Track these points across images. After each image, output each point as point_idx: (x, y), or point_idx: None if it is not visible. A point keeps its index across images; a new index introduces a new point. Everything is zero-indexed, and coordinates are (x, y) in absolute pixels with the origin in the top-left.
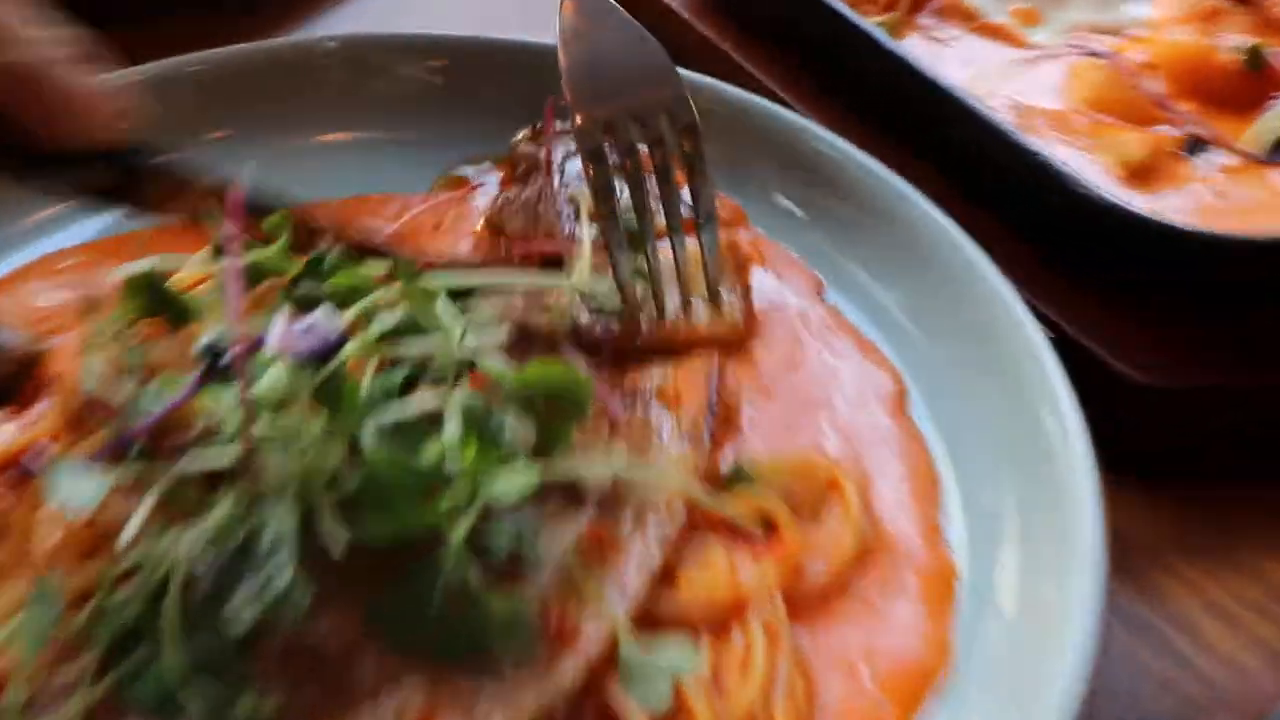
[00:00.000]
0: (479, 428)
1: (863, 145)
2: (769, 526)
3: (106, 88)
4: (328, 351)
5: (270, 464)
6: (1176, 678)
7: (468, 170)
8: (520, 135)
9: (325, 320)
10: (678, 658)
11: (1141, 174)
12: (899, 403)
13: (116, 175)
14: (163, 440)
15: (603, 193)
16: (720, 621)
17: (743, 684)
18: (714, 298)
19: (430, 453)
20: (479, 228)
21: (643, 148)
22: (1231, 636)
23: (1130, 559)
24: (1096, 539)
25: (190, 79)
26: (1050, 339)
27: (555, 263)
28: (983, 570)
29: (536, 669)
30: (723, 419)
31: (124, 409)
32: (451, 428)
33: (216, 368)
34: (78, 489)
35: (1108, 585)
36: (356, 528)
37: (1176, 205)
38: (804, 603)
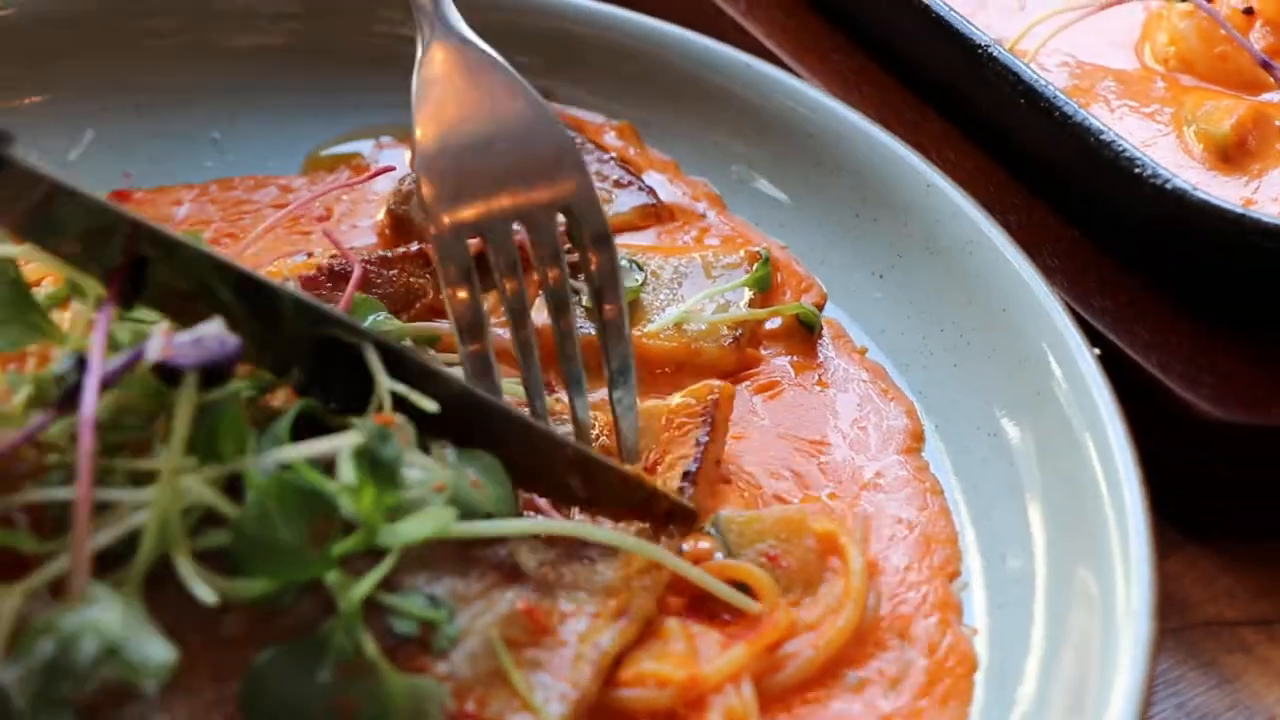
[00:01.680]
0: (379, 467)
1: (883, 115)
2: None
3: None
4: (221, 365)
5: (121, 503)
6: None
7: (347, 148)
8: None
9: (217, 332)
10: None
11: (1234, 154)
12: (914, 444)
13: None
14: None
15: (472, 332)
16: (677, 714)
17: None
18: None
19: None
20: (380, 218)
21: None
22: None
23: (1194, 629)
24: (1146, 615)
25: None
26: (1101, 359)
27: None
28: (1007, 656)
29: None
30: (709, 474)
31: None
32: (346, 468)
33: (75, 394)
34: None
35: (1160, 663)
36: (229, 579)
37: (1271, 191)
38: (784, 694)
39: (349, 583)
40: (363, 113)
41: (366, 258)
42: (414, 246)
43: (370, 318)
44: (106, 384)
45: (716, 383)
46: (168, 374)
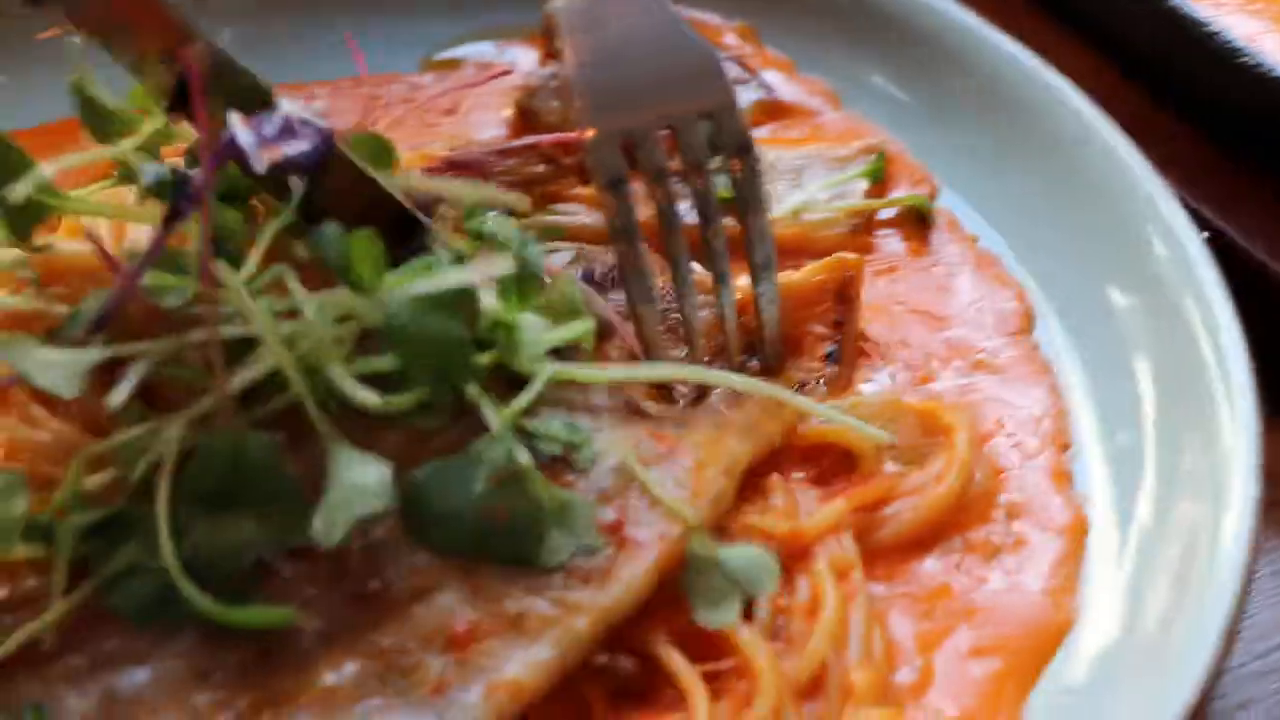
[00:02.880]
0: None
1: (991, 15)
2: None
3: None
4: (319, 154)
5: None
6: None
7: (462, 51)
8: (558, 2)
9: (297, 112)
10: (753, 568)
11: None
12: (1024, 326)
13: None
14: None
15: (625, 231)
16: (782, 564)
17: (810, 634)
18: (771, 364)
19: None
20: (508, 112)
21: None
22: None
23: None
24: (1250, 485)
25: None
26: (1207, 242)
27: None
28: (1117, 521)
29: (592, 576)
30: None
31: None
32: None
33: (183, 202)
34: (51, 373)
35: (1260, 535)
36: (385, 389)
37: None
38: (886, 553)
39: (497, 401)
40: (487, 13)
41: (487, 149)
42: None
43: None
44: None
45: (849, 255)
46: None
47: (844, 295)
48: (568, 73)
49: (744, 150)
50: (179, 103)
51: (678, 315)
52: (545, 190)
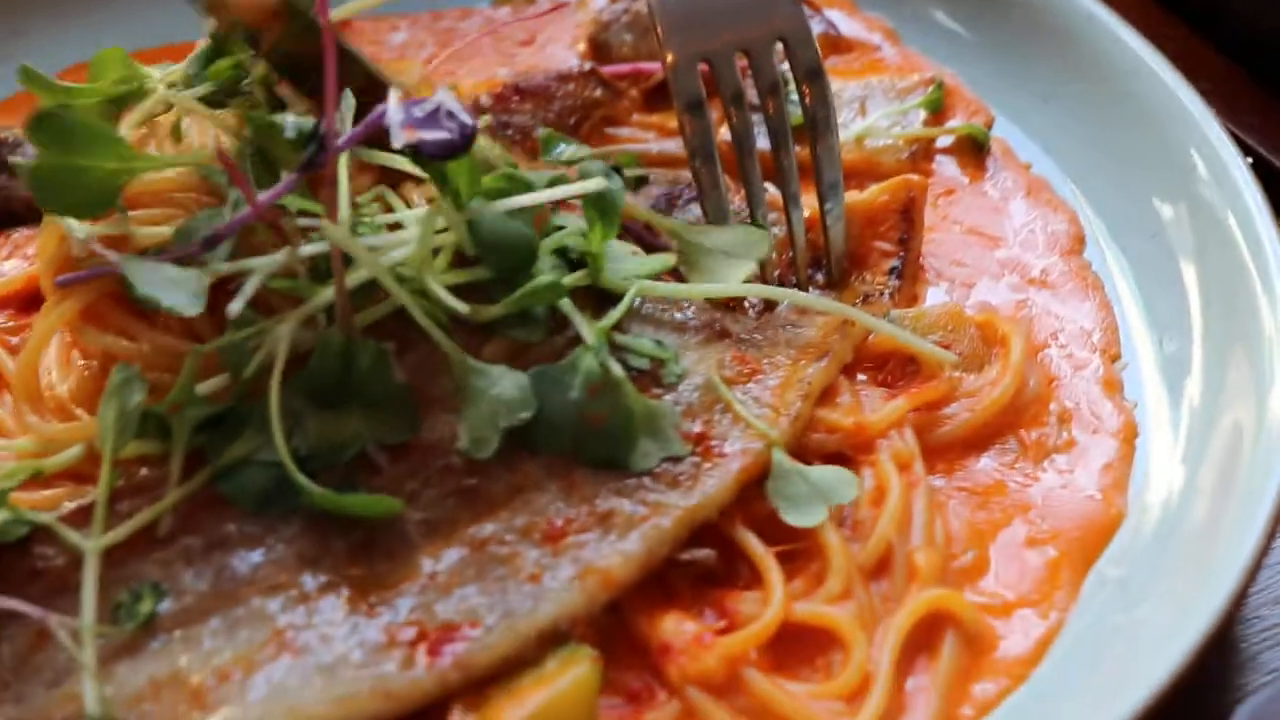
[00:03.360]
0: (605, 210)
1: None
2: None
3: None
4: (457, 147)
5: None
6: None
7: None
8: None
9: (451, 104)
10: (835, 479)
11: None
12: (1075, 246)
13: None
14: (250, 238)
15: (703, 152)
16: (846, 455)
17: (876, 520)
18: (836, 278)
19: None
20: (580, 47)
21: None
22: None
23: None
24: None
25: None
26: (1253, 169)
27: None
28: (1166, 423)
29: (679, 481)
30: (912, 267)
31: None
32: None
33: (316, 160)
34: (175, 292)
35: None
36: (476, 298)
37: None
38: (945, 449)
39: (591, 318)
40: None
41: (549, 74)
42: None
43: (558, 148)
44: (352, 141)
45: (913, 177)
46: (414, 153)
47: (907, 214)
48: (644, 2)
49: (814, 75)
50: None
51: None
52: (605, 115)
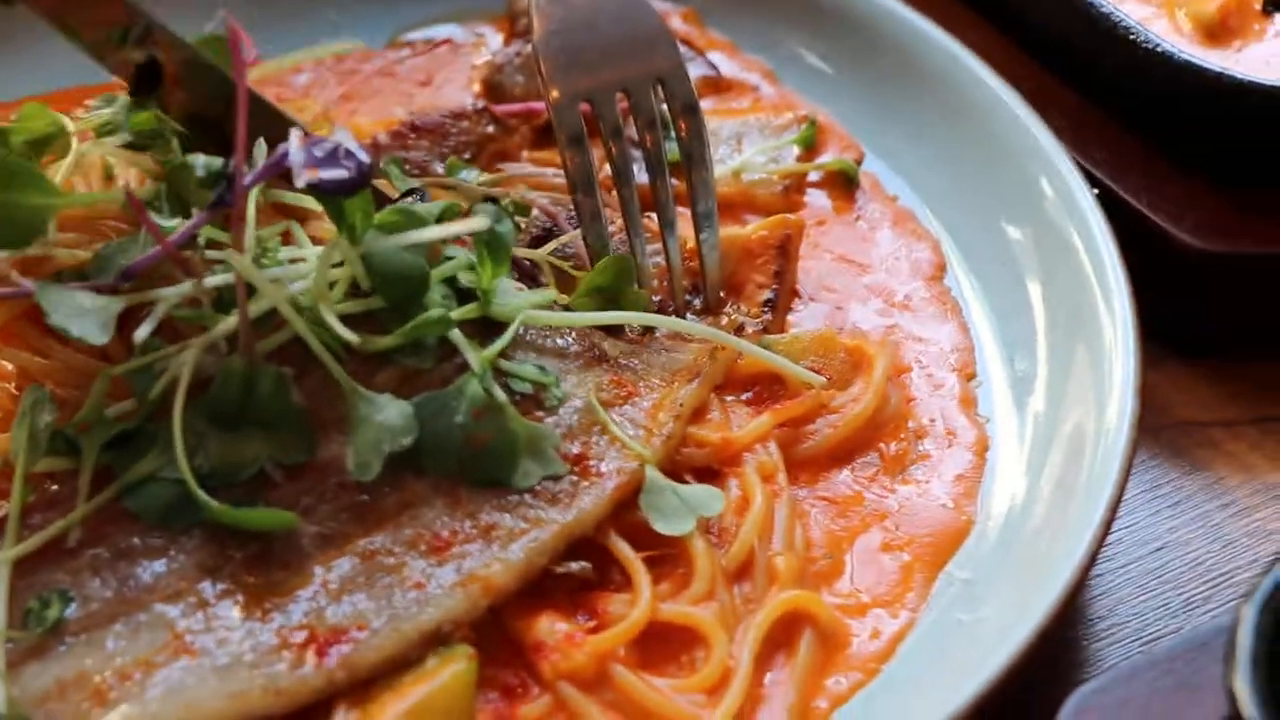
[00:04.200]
0: (494, 248)
1: (916, 4)
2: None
3: None
4: (354, 184)
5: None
6: (1200, 544)
7: (432, 31)
8: None
9: (349, 144)
10: (704, 495)
11: (1219, 31)
12: (937, 272)
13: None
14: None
15: (584, 185)
16: (713, 469)
17: (739, 527)
18: (711, 304)
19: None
20: (476, 88)
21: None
22: (1273, 512)
23: (1170, 428)
24: (1129, 402)
25: None
26: (1099, 199)
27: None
28: (1014, 436)
29: (558, 498)
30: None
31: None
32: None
33: (225, 198)
34: (85, 321)
35: (1139, 454)
36: (371, 327)
37: (1250, 63)
38: (808, 463)
39: (477, 345)
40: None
41: (443, 113)
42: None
43: (460, 174)
44: (258, 180)
45: (791, 216)
46: (314, 191)
47: (783, 250)
48: (535, 40)
49: (689, 111)
50: (143, 86)
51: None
52: (497, 150)
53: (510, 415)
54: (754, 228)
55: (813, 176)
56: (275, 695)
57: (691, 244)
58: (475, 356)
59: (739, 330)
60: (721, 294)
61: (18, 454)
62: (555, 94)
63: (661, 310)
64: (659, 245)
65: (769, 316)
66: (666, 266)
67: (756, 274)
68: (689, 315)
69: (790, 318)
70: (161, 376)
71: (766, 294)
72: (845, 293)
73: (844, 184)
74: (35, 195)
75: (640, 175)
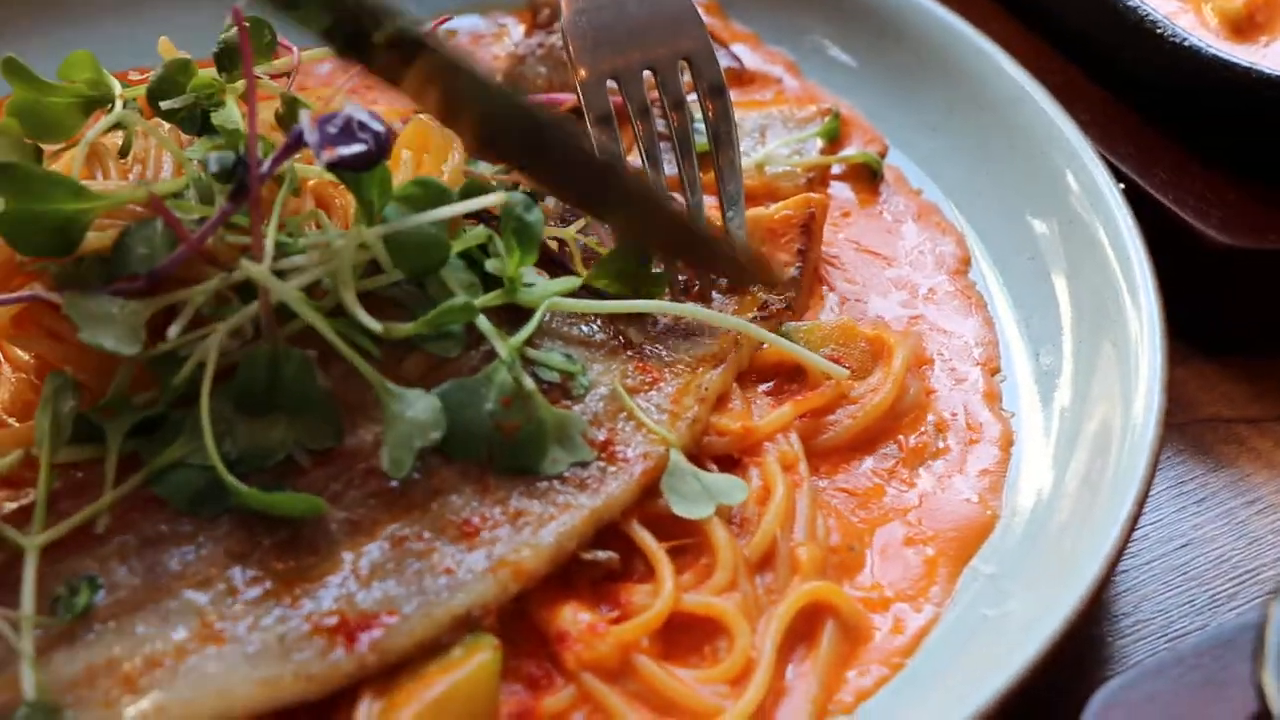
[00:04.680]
0: (523, 234)
1: None
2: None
3: None
4: (373, 157)
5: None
6: (1226, 541)
7: (454, 23)
8: None
9: (360, 115)
10: (726, 483)
11: (1245, 26)
12: (961, 266)
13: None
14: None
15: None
16: (734, 458)
17: (761, 517)
18: (743, 284)
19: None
20: (499, 78)
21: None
22: None
23: (1196, 424)
24: (1155, 398)
25: None
26: (1125, 194)
27: (579, 113)
28: (1039, 431)
29: (586, 484)
30: (808, 278)
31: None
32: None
33: (244, 187)
34: (114, 329)
35: (1165, 450)
36: (394, 310)
37: (1277, 58)
38: (829, 453)
39: (504, 334)
40: None
41: None
42: None
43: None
44: (272, 169)
45: (814, 195)
46: (335, 167)
47: (807, 229)
48: (563, 20)
49: (716, 92)
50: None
51: None
52: None
53: (539, 404)
54: (778, 207)
55: (836, 169)
56: (307, 681)
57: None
58: (503, 345)
59: (763, 308)
60: None
61: (42, 441)
62: (583, 73)
63: (688, 289)
64: None
65: (793, 294)
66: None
67: (781, 253)
68: (715, 294)
69: (813, 308)
70: (186, 362)
71: (790, 272)
72: (869, 285)
73: (868, 177)
74: (70, 201)
75: (667, 163)
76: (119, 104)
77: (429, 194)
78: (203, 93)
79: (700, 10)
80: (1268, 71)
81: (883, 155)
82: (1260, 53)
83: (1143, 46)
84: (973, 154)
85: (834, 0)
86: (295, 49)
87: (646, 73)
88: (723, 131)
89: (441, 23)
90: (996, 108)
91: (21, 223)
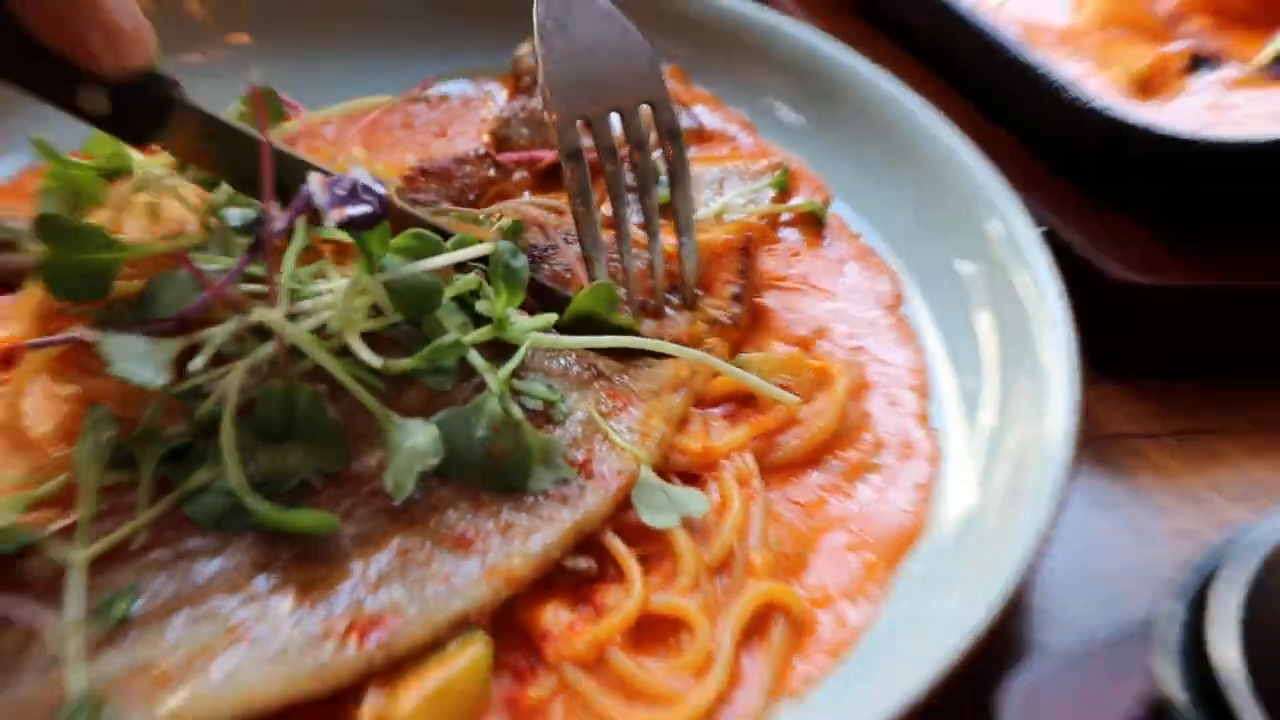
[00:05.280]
0: (510, 278)
1: (876, 60)
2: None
3: (137, 15)
4: (377, 217)
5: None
6: (1130, 544)
7: (445, 88)
8: (522, 49)
9: (365, 179)
10: (689, 496)
11: (1144, 87)
12: (896, 302)
13: (129, 102)
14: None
15: (581, 195)
16: (696, 474)
17: (719, 526)
18: (689, 300)
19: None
20: (485, 138)
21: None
22: (1194, 514)
23: (1103, 440)
24: (1069, 419)
25: None
26: (1043, 237)
27: (557, 170)
28: (965, 448)
29: (567, 498)
30: (750, 295)
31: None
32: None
33: (261, 241)
34: (144, 368)
35: (1076, 464)
36: (394, 348)
37: (1175, 115)
38: (779, 469)
39: (494, 368)
40: (464, 56)
41: (448, 158)
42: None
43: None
44: (287, 227)
45: (751, 220)
46: (341, 227)
47: (746, 251)
48: (540, 67)
49: (674, 134)
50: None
51: (617, 262)
52: (498, 191)
53: (525, 429)
54: (718, 232)
55: (785, 216)
56: (322, 677)
57: (671, 250)
58: (493, 377)
59: (713, 323)
60: (697, 292)
61: (83, 467)
62: (556, 115)
63: (644, 307)
64: (637, 251)
65: (737, 309)
66: (650, 269)
67: (724, 272)
68: (669, 310)
69: (764, 340)
70: (210, 397)
71: (733, 289)
72: (814, 319)
73: (814, 223)
74: (102, 251)
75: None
76: (138, 170)
77: (424, 245)
78: None
79: (665, 72)
80: (1164, 128)
81: (827, 204)
82: (1159, 111)
83: (1056, 108)
84: (907, 203)
85: (787, 65)
86: (302, 110)
87: (615, 117)
88: (678, 168)
89: (427, 86)
90: (929, 163)
91: (60, 270)
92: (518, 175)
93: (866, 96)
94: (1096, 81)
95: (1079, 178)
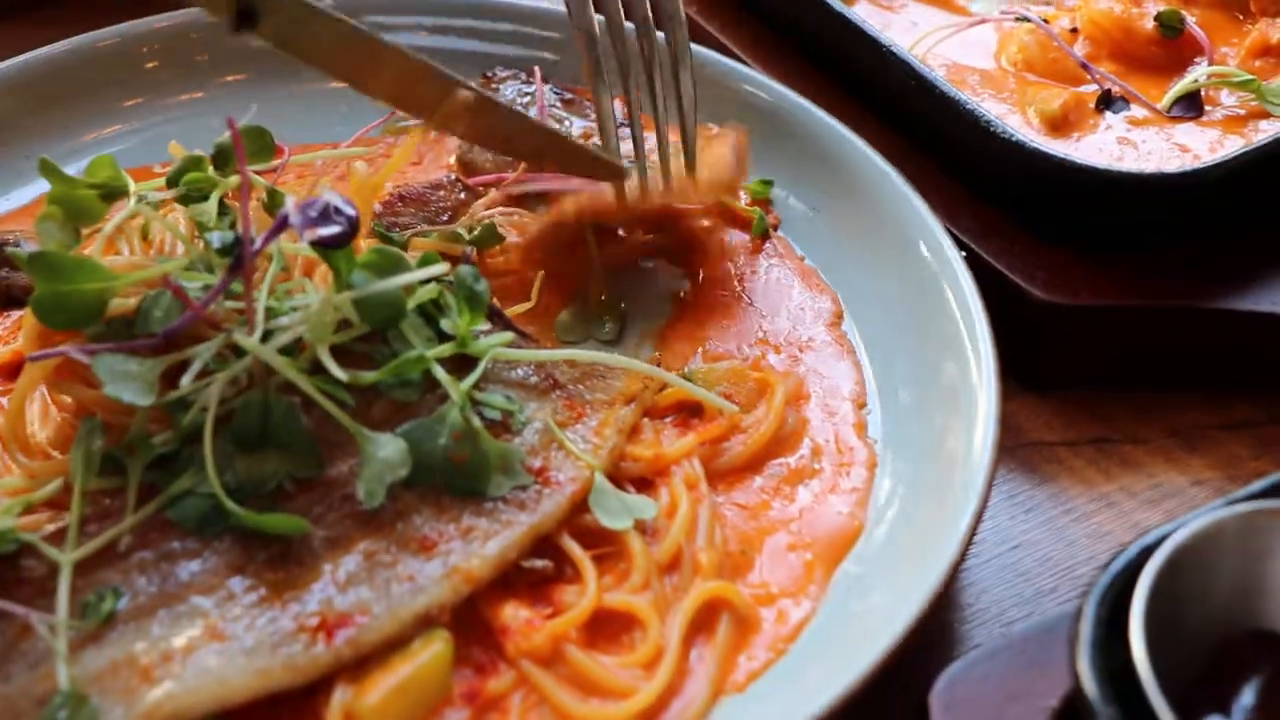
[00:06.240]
0: (471, 299)
1: (815, 98)
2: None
3: None
4: (347, 237)
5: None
6: (1050, 544)
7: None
8: (475, 83)
9: (336, 202)
10: (640, 503)
11: (1059, 125)
12: (836, 320)
13: None
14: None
15: (595, 70)
16: (647, 479)
17: (669, 527)
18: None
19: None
20: (452, 162)
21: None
22: (1109, 517)
23: (1023, 448)
24: (990, 429)
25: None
26: (966, 260)
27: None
28: (898, 455)
29: (525, 504)
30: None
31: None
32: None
33: (240, 261)
34: (132, 385)
35: (999, 469)
36: (363, 366)
37: (1086, 150)
38: (724, 474)
39: (456, 380)
40: None
41: (422, 185)
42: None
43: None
44: (263, 246)
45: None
46: (314, 245)
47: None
48: None
49: (674, 18)
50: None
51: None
52: (467, 211)
53: (484, 438)
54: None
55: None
56: (293, 671)
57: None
58: (454, 389)
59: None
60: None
61: (75, 473)
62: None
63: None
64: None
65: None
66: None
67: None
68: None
69: (709, 350)
70: (193, 407)
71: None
72: (758, 335)
73: (760, 237)
74: (94, 281)
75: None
76: (133, 197)
77: (388, 262)
78: (202, 185)
79: None
80: (1078, 161)
81: (775, 227)
82: (1073, 146)
83: (979, 141)
84: (845, 229)
85: (729, 103)
86: (286, 149)
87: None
88: (680, 51)
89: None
90: (863, 190)
91: (52, 302)
92: (487, 197)
93: (806, 130)
94: (1015, 119)
95: (1002, 205)
